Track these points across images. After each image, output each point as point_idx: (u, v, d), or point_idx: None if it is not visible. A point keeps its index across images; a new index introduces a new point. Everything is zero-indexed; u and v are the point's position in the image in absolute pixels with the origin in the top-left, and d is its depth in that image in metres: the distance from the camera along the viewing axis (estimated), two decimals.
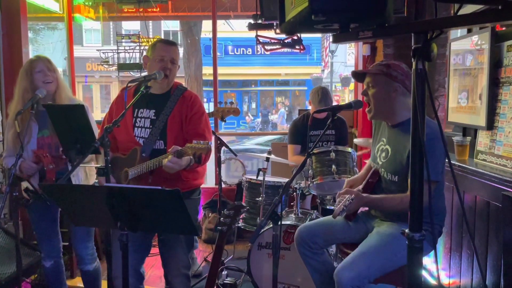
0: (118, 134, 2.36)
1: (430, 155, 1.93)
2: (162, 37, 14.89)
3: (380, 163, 2.28)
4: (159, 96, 2.36)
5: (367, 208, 2.44)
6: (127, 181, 2.28)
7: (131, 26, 16.48)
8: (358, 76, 2.33)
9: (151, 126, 2.32)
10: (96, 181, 2.65)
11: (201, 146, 2.01)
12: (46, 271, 2.70)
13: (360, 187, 2.33)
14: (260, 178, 3.20)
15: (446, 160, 2.07)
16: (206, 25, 10.91)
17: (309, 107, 3.98)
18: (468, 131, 2.91)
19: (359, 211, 2.40)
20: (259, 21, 2.92)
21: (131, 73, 5.93)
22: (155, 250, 2.56)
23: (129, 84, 2.17)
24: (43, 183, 2.47)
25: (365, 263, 2.06)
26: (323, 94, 3.69)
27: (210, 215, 4.42)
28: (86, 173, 2.66)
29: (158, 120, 2.31)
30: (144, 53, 2.43)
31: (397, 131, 2.22)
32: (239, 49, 19.91)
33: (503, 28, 2.55)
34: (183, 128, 2.32)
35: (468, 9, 2.18)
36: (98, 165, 2.36)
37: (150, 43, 5.90)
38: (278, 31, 2.96)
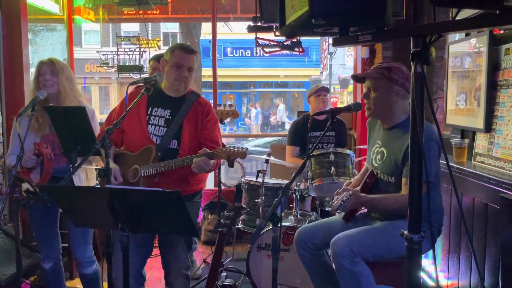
0: (131, 130, 2.39)
1: (424, 156, 1.96)
2: (161, 39, 14.89)
3: (376, 165, 2.30)
4: (174, 99, 2.41)
5: (366, 210, 2.46)
6: (137, 179, 2.30)
7: (130, 27, 16.47)
8: (358, 78, 2.36)
9: (165, 125, 2.36)
10: (97, 182, 2.66)
11: (238, 151, 2.08)
12: (46, 273, 2.70)
13: (358, 188, 2.35)
14: (260, 179, 3.21)
15: (444, 162, 2.09)
16: (206, 27, 10.94)
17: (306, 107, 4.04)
18: (467, 133, 2.92)
19: (358, 212, 2.42)
20: (259, 24, 2.94)
21: (131, 74, 5.93)
22: (154, 251, 2.57)
23: (130, 86, 2.19)
24: (42, 178, 2.48)
25: (361, 237, 2.11)
26: (320, 85, 3.96)
27: (209, 216, 4.43)
28: (87, 175, 2.67)
29: (173, 121, 2.36)
30: (148, 57, 2.48)
31: (392, 133, 2.24)
32: (238, 51, 19.91)
33: (501, 32, 2.57)
34: (197, 131, 2.38)
35: (466, 12, 2.19)
36: (99, 167, 2.38)
37: (150, 45, 5.91)
38: (277, 33, 2.97)
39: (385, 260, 2.15)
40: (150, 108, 2.40)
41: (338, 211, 2.23)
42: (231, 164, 2.14)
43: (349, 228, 2.38)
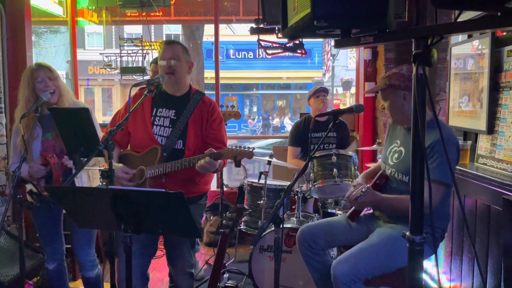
0: (136, 131, 2.40)
1: (444, 157, 1.98)
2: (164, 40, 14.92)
3: (392, 163, 2.32)
4: (178, 98, 2.42)
5: (371, 211, 2.46)
6: (143, 179, 2.31)
7: (133, 29, 16.53)
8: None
9: (171, 126, 2.36)
10: (99, 184, 2.67)
11: (245, 151, 2.07)
12: (49, 274, 2.71)
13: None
14: (262, 181, 3.21)
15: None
16: (208, 29, 10.96)
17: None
18: (469, 135, 2.92)
19: (362, 213, 2.42)
20: (261, 26, 2.95)
21: (134, 76, 5.95)
22: (157, 253, 2.57)
23: (133, 87, 2.20)
24: (51, 184, 2.49)
25: (362, 260, 2.09)
26: (320, 87, 3.96)
27: (211, 218, 4.43)
28: (89, 176, 2.68)
29: (178, 120, 2.36)
30: (151, 58, 2.50)
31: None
32: (240, 52, 19.95)
33: (504, 33, 2.57)
34: (202, 131, 2.38)
35: (468, 13, 2.20)
36: (102, 168, 2.39)
37: (152, 47, 5.92)
38: (280, 35, 2.98)
39: (385, 274, 2.16)
40: (155, 109, 2.41)
41: (356, 200, 2.20)
42: (237, 164, 2.13)
43: (352, 229, 2.39)
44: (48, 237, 2.67)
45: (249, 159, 2.12)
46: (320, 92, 3.86)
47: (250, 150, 2.09)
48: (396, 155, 2.32)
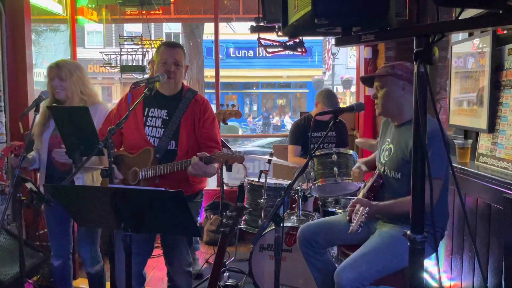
0: (128, 132, 2.39)
1: (432, 153, 1.97)
2: (164, 39, 14.90)
3: (383, 161, 2.33)
4: (170, 98, 2.40)
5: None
6: (136, 181, 2.30)
7: (133, 28, 16.52)
8: (366, 80, 2.40)
9: (163, 126, 2.35)
10: None
11: (236, 156, 2.08)
12: (54, 270, 2.73)
13: (365, 190, 2.37)
14: (262, 180, 3.21)
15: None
16: (208, 27, 10.95)
17: (313, 108, 4.03)
18: (470, 134, 2.92)
19: None
20: (261, 24, 2.94)
21: (134, 75, 5.94)
22: (157, 251, 2.57)
23: (133, 86, 2.19)
24: (52, 183, 2.49)
25: (366, 264, 2.07)
26: (332, 96, 3.82)
27: (211, 217, 4.43)
28: (93, 177, 2.67)
29: (171, 121, 2.34)
30: (151, 57, 2.49)
31: (401, 130, 2.28)
32: (240, 51, 19.94)
33: (505, 32, 2.56)
34: (195, 130, 2.37)
35: (469, 11, 2.19)
36: (101, 167, 2.38)
37: (152, 45, 5.91)
38: (280, 33, 2.97)
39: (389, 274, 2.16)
40: (147, 109, 2.39)
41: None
42: (229, 168, 2.13)
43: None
44: (55, 233, 2.69)
45: (239, 163, 2.14)
46: (331, 101, 3.74)
47: (241, 155, 2.11)
48: (386, 152, 2.34)
